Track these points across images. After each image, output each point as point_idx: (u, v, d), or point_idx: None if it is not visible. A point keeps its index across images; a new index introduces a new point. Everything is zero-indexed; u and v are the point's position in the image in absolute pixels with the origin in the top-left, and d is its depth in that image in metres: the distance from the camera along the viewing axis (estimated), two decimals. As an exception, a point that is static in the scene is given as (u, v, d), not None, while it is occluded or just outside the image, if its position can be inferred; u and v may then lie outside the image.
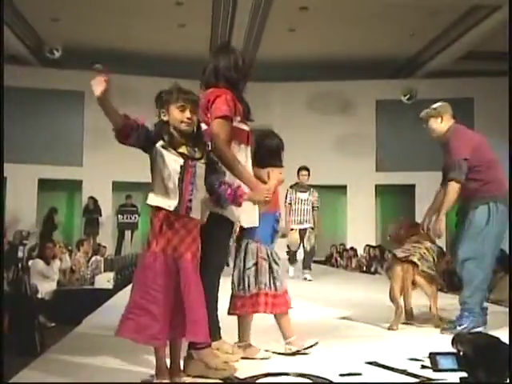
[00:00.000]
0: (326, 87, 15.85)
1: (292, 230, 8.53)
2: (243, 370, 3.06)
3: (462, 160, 4.31)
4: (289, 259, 8.91)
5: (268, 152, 3.49)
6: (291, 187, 8.69)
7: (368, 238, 14.19)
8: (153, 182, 2.84)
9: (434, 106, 4.62)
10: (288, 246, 8.72)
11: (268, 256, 3.41)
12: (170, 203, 2.79)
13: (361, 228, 15.12)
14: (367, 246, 12.79)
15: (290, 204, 8.65)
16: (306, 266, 8.84)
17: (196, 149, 2.88)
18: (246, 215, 3.23)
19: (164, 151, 2.80)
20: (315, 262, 9.53)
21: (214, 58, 3.33)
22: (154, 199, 2.82)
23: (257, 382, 2.89)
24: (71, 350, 3.61)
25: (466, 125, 4.77)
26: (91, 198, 14.65)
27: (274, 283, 3.38)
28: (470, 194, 4.36)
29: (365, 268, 12.11)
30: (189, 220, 2.83)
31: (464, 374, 2.49)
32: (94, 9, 12.23)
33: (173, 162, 2.81)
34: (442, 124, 4.56)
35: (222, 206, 3.06)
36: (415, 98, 14.38)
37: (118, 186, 15.13)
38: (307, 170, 8.77)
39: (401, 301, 4.51)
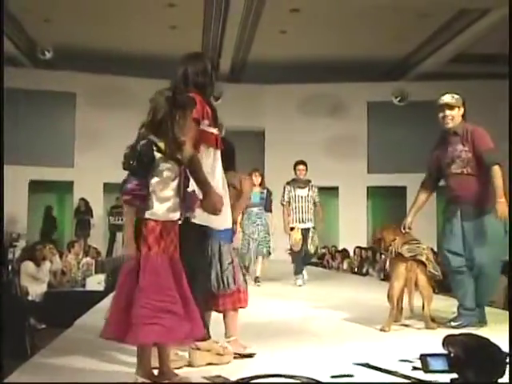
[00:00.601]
0: (317, 89, 15.86)
1: (293, 229, 7.86)
2: (233, 370, 3.06)
3: (492, 149, 4.42)
4: (295, 271, 8.04)
5: (223, 157, 3.41)
6: (288, 184, 8.07)
7: (360, 239, 14.20)
8: (151, 195, 2.79)
9: (456, 96, 4.64)
10: (290, 247, 8.00)
11: (235, 255, 3.62)
12: (177, 214, 2.87)
13: (353, 229, 15.15)
14: (357, 247, 12.81)
15: (289, 202, 7.94)
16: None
17: (181, 153, 2.89)
18: (220, 218, 3.22)
19: (163, 165, 2.79)
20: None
21: (184, 63, 3.35)
22: (162, 214, 2.81)
23: (250, 382, 2.89)
24: (62, 352, 3.58)
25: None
26: (82, 199, 14.58)
27: (245, 280, 3.59)
28: (480, 198, 4.41)
29: (356, 269, 12.14)
30: (175, 222, 2.90)
31: (455, 375, 2.51)
32: (86, 10, 12.20)
33: (171, 173, 2.82)
34: (460, 116, 4.61)
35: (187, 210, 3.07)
36: (406, 99, 14.45)
37: (109, 188, 15.06)
38: (304, 164, 8.10)
39: (398, 301, 4.52)
